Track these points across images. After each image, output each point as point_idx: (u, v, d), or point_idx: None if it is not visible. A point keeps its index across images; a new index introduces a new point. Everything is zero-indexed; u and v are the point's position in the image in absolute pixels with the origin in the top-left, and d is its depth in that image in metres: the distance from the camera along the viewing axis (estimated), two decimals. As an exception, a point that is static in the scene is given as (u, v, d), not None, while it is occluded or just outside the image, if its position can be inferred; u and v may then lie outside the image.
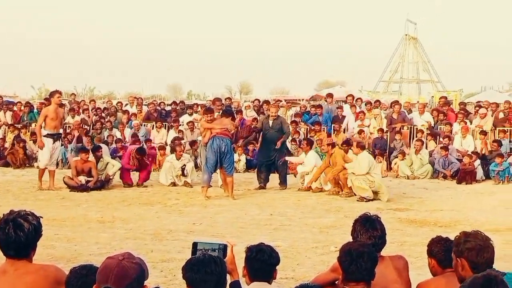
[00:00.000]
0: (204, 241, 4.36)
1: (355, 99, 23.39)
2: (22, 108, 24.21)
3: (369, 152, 16.43)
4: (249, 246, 4.58)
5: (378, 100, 24.06)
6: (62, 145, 19.78)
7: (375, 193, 14.03)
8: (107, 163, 15.96)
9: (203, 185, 14.15)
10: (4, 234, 4.08)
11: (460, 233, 4.37)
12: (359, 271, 4.29)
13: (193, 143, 19.67)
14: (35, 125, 17.52)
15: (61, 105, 23.87)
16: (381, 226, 4.94)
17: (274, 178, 16.05)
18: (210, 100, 26.60)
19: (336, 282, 4.70)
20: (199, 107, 23.38)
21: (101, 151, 16.35)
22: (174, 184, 16.13)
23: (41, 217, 4.28)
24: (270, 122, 16.11)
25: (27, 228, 4.10)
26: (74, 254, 8.68)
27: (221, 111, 14.78)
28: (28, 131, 22.00)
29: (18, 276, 4.08)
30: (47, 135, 15.07)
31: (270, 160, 15.94)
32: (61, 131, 15.66)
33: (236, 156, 17.94)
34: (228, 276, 4.06)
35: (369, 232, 4.85)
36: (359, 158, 14.29)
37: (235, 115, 15.66)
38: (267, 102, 23.93)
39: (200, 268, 3.82)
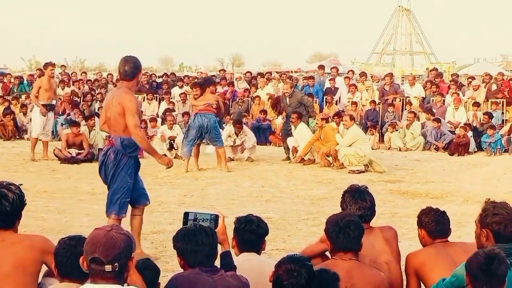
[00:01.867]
0: (195, 211, 4.33)
1: (347, 71, 23.35)
2: (12, 80, 24.07)
3: (359, 125, 16.41)
4: (238, 217, 4.57)
5: (364, 73, 23.92)
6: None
7: (367, 165, 14.05)
8: (98, 133, 15.90)
9: (183, 157, 14.23)
10: None
11: (487, 203, 4.27)
12: (347, 241, 4.29)
13: (185, 114, 19.60)
14: (25, 97, 17.50)
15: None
16: (370, 197, 4.93)
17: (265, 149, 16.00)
18: (201, 72, 26.50)
19: (326, 253, 4.69)
20: (190, 79, 23.33)
21: (94, 119, 16.30)
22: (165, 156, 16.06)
23: (21, 184, 4.27)
24: (287, 100, 15.88)
25: (12, 198, 4.09)
26: (64, 226, 8.66)
27: (200, 83, 14.69)
28: (18, 103, 21.86)
29: (4, 246, 4.06)
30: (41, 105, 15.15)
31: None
32: (54, 102, 15.63)
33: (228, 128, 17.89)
34: (219, 246, 4.05)
35: (358, 203, 4.84)
36: (348, 132, 14.31)
37: (211, 81, 15.43)
38: (260, 74, 23.85)
39: (191, 238, 3.80)
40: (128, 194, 7.08)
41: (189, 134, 13.93)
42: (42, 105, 15.12)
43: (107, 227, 3.36)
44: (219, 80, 22.21)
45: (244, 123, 19.20)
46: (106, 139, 15.87)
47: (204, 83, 14.52)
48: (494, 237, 4.12)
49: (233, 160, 15.61)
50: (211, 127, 13.75)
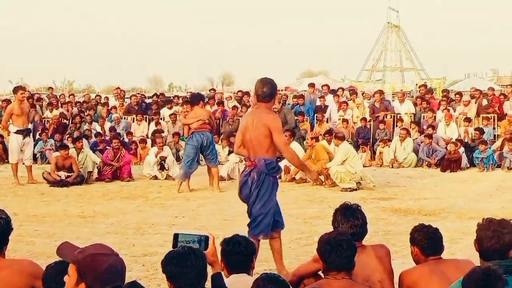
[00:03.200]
0: (185, 232, 4.27)
1: (337, 90, 23.36)
2: (0, 103, 23.94)
3: (350, 142, 16.40)
4: (224, 239, 4.51)
5: (354, 91, 23.96)
6: (40, 139, 19.71)
7: (358, 183, 14.02)
8: (87, 155, 15.84)
9: (178, 179, 14.21)
10: None
11: (483, 220, 4.35)
12: (340, 260, 4.27)
13: (175, 135, 19.57)
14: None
15: (40, 99, 23.75)
16: (362, 215, 4.91)
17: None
18: (191, 92, 26.49)
19: (319, 273, 4.64)
20: (180, 99, 23.32)
21: (82, 142, 16.29)
22: (156, 177, 16.05)
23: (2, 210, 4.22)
24: None
25: None
26: (54, 250, 8.47)
27: (189, 99, 14.68)
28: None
29: (-9, 271, 3.99)
30: (17, 132, 15.10)
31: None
32: (30, 126, 15.56)
33: (220, 148, 17.88)
34: (209, 268, 3.97)
35: (350, 221, 4.82)
36: (339, 149, 14.31)
37: (201, 96, 15.41)
38: (247, 93, 23.86)
39: (179, 261, 3.74)
40: (272, 215, 7.13)
41: (188, 154, 13.84)
42: (18, 130, 14.99)
43: (111, 251, 3.27)
44: (207, 100, 22.20)
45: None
46: (95, 162, 15.87)
47: (193, 99, 14.49)
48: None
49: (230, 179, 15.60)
50: (208, 144, 13.72)
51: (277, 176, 7.23)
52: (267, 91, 6.99)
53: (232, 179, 15.66)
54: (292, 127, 16.00)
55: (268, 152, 6.94)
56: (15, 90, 15.54)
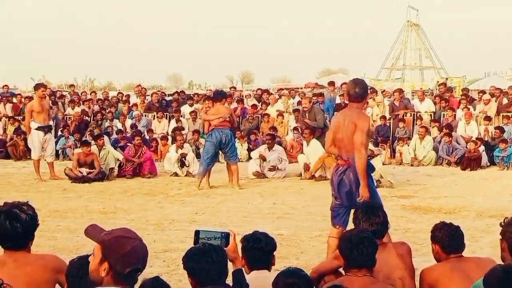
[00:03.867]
0: (206, 229, 4.31)
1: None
2: (22, 100, 24.15)
3: (370, 141, 16.36)
4: (244, 235, 4.55)
5: (374, 89, 23.89)
6: (62, 136, 19.88)
7: (378, 180, 13.98)
8: (109, 151, 15.96)
9: (197, 176, 14.23)
10: (0, 226, 4.03)
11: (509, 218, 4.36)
12: (361, 257, 4.28)
13: (195, 132, 19.65)
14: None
15: (62, 97, 24.00)
16: (383, 212, 4.92)
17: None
18: (211, 90, 26.58)
19: (340, 270, 4.66)
20: (200, 97, 23.41)
21: (103, 139, 16.38)
22: (176, 174, 16.14)
23: (28, 201, 4.27)
24: (306, 115, 16.08)
25: (24, 219, 4.06)
26: (76, 245, 8.62)
27: (212, 96, 14.71)
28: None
29: (17, 267, 4.06)
30: (38, 128, 15.25)
31: None
32: (51, 122, 15.74)
33: (238, 145, 17.94)
34: (230, 265, 4.01)
35: (371, 219, 4.83)
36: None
37: (224, 94, 15.47)
38: (266, 91, 23.89)
39: (200, 257, 3.77)
40: None
41: (207, 150, 13.90)
42: (39, 127, 15.18)
43: (136, 236, 3.36)
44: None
45: (255, 139, 19.27)
46: (118, 159, 15.97)
47: (215, 96, 14.50)
48: (509, 248, 4.11)
49: (261, 175, 15.75)
50: (228, 142, 13.76)
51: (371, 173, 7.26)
52: (359, 91, 7.08)
53: (263, 174, 15.80)
54: (320, 127, 16.00)
55: None
56: (36, 87, 15.72)
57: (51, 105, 18.52)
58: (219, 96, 14.38)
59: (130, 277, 3.27)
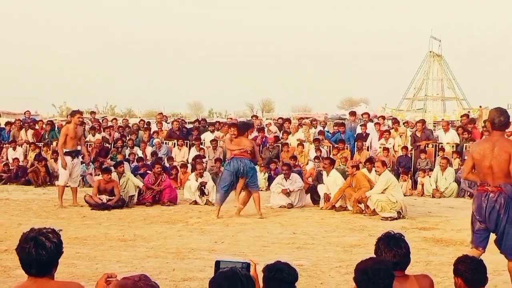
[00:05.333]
0: (227, 259, 4.28)
1: (377, 117, 23.29)
2: (44, 126, 24.35)
3: (391, 171, 16.29)
4: (266, 265, 4.49)
5: (396, 120, 23.82)
6: (83, 163, 19.98)
7: (399, 212, 13.89)
8: (129, 179, 15.97)
9: (215, 204, 14.27)
10: (25, 253, 4.04)
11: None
12: (377, 290, 4.19)
13: (217, 160, 19.65)
14: (57, 144, 17.77)
15: (82, 123, 24.25)
16: (405, 244, 4.85)
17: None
18: (231, 118, 26.66)
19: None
20: (221, 124, 23.48)
21: (123, 166, 16.42)
22: (195, 202, 16.13)
23: (61, 230, 4.24)
24: None
25: (49, 247, 4.06)
26: (95, 272, 8.60)
27: (239, 127, 14.69)
28: (50, 149, 22.11)
29: (40, 293, 4.03)
30: (66, 153, 15.45)
31: None
32: (79, 148, 15.86)
33: (259, 174, 17.92)
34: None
35: (393, 250, 4.76)
36: (380, 178, 14.21)
37: (250, 126, 15.51)
38: (288, 120, 23.89)
39: (229, 284, 3.70)
40: None
41: (224, 179, 13.91)
42: (67, 152, 15.38)
43: (135, 277, 3.32)
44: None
45: (275, 168, 19.26)
46: (138, 186, 15.98)
47: (242, 128, 14.51)
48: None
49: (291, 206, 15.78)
50: (247, 171, 13.76)
51: None
52: (504, 120, 7.35)
53: (291, 204, 15.90)
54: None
55: (510, 178, 7.24)
56: (73, 113, 16.00)
57: (84, 132, 18.74)
58: (244, 128, 14.43)
59: None
